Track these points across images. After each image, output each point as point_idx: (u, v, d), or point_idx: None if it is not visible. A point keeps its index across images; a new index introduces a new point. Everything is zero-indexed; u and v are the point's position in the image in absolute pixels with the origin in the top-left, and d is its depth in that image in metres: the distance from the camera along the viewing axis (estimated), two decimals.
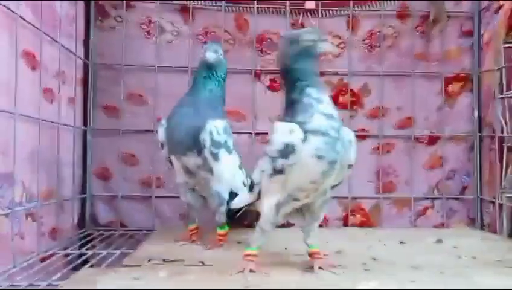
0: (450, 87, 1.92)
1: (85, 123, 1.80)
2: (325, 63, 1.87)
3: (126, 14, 1.83)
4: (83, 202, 1.79)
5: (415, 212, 1.89)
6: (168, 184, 1.82)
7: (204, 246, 1.43)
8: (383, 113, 1.89)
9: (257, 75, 1.88)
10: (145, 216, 1.82)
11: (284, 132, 1.06)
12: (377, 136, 1.89)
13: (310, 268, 1.16)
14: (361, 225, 1.87)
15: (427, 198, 1.91)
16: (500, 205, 1.68)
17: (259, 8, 1.87)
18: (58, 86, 1.53)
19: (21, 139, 1.26)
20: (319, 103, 1.07)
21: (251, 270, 1.10)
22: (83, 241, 1.62)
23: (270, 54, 1.88)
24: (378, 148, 1.89)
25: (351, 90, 1.89)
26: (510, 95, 1.68)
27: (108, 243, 1.59)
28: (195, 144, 1.39)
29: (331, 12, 1.89)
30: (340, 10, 1.89)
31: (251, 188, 1.21)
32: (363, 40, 1.91)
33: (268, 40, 1.88)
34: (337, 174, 1.09)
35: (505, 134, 1.68)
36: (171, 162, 1.50)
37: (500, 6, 1.72)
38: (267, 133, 1.85)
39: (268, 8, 1.88)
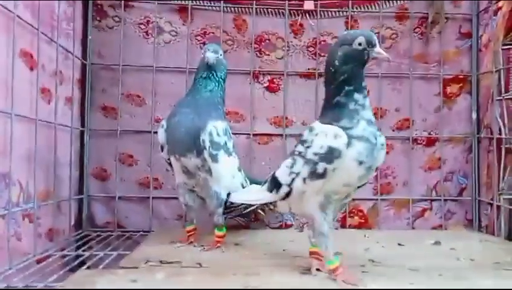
0: (449, 89, 1.92)
1: (83, 123, 1.79)
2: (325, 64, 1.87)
3: (124, 14, 1.82)
4: (80, 203, 1.78)
5: (413, 213, 1.89)
6: (166, 185, 1.81)
7: (202, 247, 1.42)
8: (381, 114, 1.88)
9: (255, 76, 1.88)
10: (142, 217, 1.81)
11: (328, 136, 1.05)
12: None
13: (307, 270, 1.15)
14: (360, 226, 1.87)
15: (425, 200, 1.90)
16: (498, 207, 1.68)
17: (258, 9, 1.87)
18: (55, 86, 1.52)
19: (18, 140, 1.26)
20: (363, 109, 1.07)
21: (345, 281, 1.05)
22: (80, 243, 1.61)
23: (268, 54, 1.88)
24: None
25: None
26: (508, 97, 1.68)
27: (106, 244, 1.58)
28: (194, 145, 1.39)
29: (329, 13, 1.89)
30: (339, 11, 1.89)
31: (274, 187, 1.16)
32: None
33: (267, 41, 1.88)
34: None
35: (503, 136, 1.68)
36: (170, 164, 1.50)
37: (499, 8, 1.72)
38: (265, 134, 1.87)
39: (267, 8, 1.87)
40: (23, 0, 1.30)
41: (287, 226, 1.84)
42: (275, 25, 1.87)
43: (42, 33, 1.42)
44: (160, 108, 1.80)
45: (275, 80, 1.87)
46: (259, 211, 1.62)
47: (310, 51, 1.89)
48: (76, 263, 1.36)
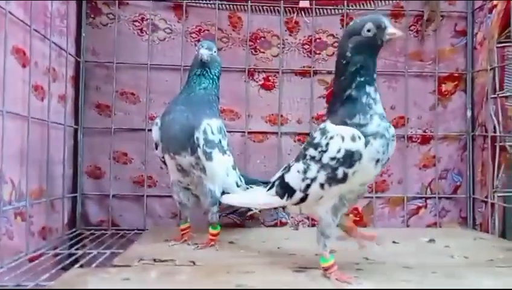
0: (444, 87, 1.92)
1: (76, 121, 1.78)
2: (320, 62, 1.86)
3: (119, 11, 1.81)
4: (73, 201, 1.77)
5: (407, 211, 1.89)
6: (161, 183, 1.80)
7: (196, 245, 1.41)
8: None
9: (251, 74, 1.87)
10: (136, 216, 1.80)
11: (345, 138, 0.99)
12: None
13: (302, 268, 1.15)
14: (354, 224, 1.86)
15: (420, 197, 1.90)
16: (493, 205, 1.69)
17: (253, 6, 1.86)
18: (48, 84, 1.51)
19: (10, 137, 1.25)
20: (376, 103, 1.02)
21: (338, 279, 1.06)
22: (73, 241, 1.60)
23: (263, 52, 1.87)
24: None
25: None
26: (503, 95, 1.68)
27: (99, 242, 1.57)
28: (189, 143, 1.38)
29: (325, 10, 1.88)
30: (335, 9, 1.88)
31: (286, 192, 1.12)
32: None
33: (262, 39, 1.87)
34: None
35: (497, 134, 1.68)
36: (164, 162, 1.49)
37: (494, 6, 1.72)
38: (260, 132, 1.86)
39: (262, 6, 1.87)
40: None
41: (282, 224, 1.84)
42: (270, 23, 1.86)
43: (35, 30, 1.40)
44: (154, 106, 1.79)
45: (270, 78, 1.87)
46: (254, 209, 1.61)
47: (305, 49, 1.88)
48: (69, 261, 1.35)
